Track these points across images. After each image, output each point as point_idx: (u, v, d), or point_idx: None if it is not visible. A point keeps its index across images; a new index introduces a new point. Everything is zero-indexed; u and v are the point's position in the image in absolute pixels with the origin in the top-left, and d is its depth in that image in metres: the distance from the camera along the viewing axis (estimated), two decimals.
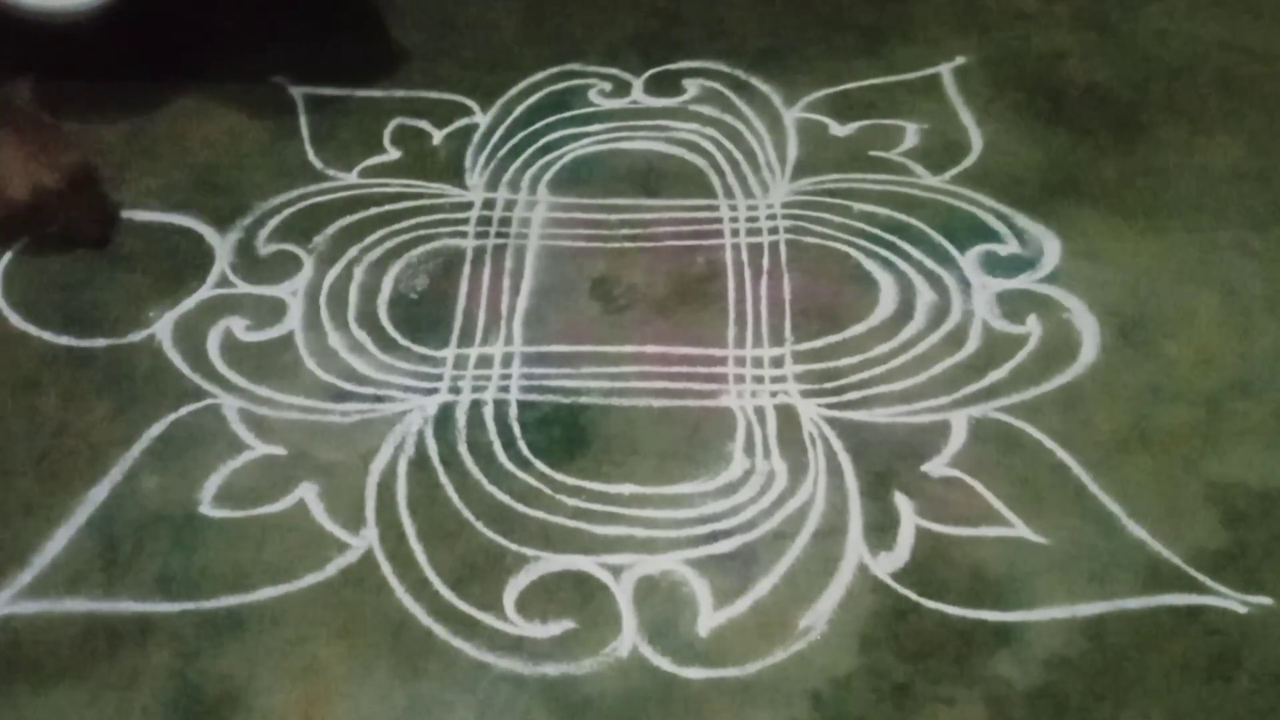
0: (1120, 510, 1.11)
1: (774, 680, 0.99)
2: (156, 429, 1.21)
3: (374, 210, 1.47)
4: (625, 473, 1.16)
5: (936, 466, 1.16)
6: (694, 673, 1.00)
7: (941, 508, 1.12)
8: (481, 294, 1.36)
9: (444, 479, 1.16)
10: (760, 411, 1.22)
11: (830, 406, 1.22)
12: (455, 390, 1.25)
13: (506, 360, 1.28)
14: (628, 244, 1.42)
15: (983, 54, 1.70)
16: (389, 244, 1.43)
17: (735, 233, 1.43)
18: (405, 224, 1.45)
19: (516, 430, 1.20)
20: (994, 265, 1.38)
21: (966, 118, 1.59)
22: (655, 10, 1.81)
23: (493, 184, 1.52)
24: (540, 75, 1.69)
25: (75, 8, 1.45)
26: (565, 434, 1.20)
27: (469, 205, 1.48)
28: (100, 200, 1.43)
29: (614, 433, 1.20)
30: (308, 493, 1.14)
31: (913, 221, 1.43)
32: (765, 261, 1.39)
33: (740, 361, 1.28)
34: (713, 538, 1.10)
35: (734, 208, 1.46)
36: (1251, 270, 1.36)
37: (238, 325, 1.32)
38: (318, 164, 1.54)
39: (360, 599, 1.06)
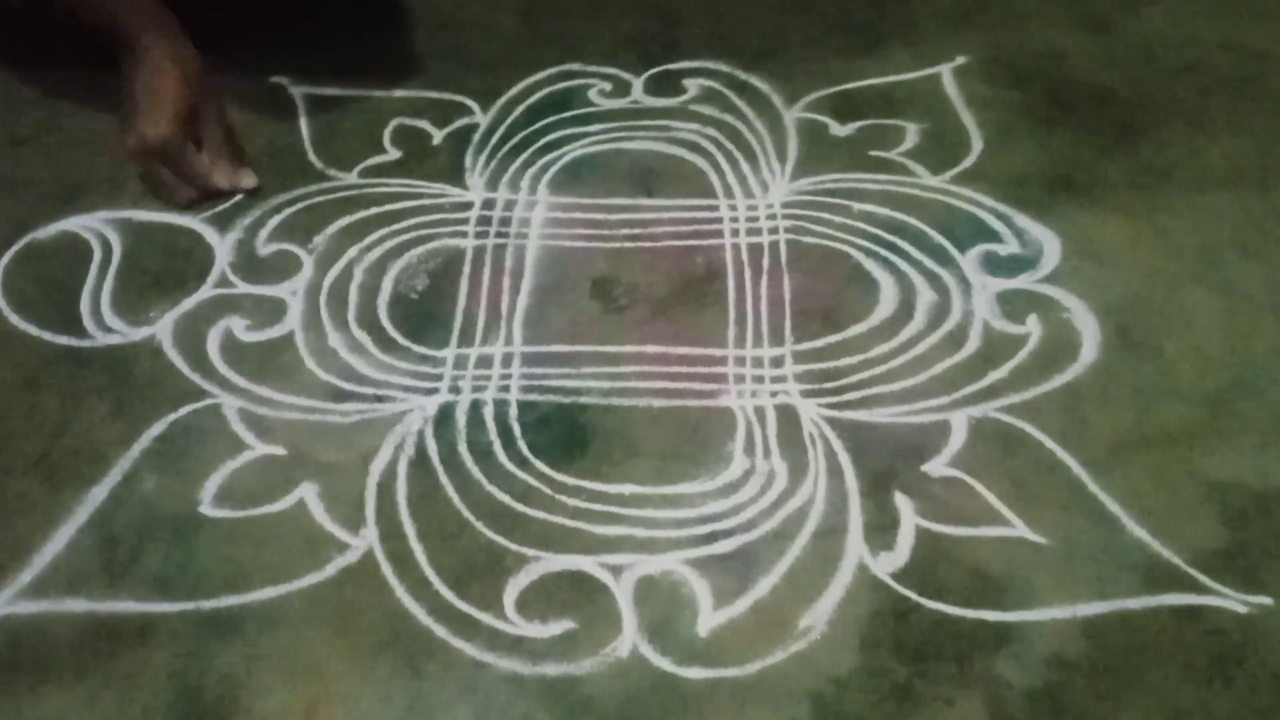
0: (1120, 510, 1.11)
1: (774, 680, 0.99)
2: (156, 429, 1.21)
3: (374, 210, 1.47)
4: (625, 473, 1.16)
5: (936, 466, 1.16)
6: (694, 673, 1.00)
7: (941, 508, 1.12)
8: (481, 294, 1.36)
9: (444, 479, 1.16)
10: (760, 411, 1.22)
11: (830, 406, 1.22)
12: (455, 390, 1.25)
13: (506, 360, 1.28)
14: (628, 244, 1.42)
15: (983, 54, 1.70)
16: (389, 244, 1.43)
17: (735, 232, 1.43)
18: (405, 224, 1.45)
19: (516, 430, 1.20)
20: (994, 265, 1.38)
21: (966, 118, 1.59)
22: (655, 10, 1.81)
23: (493, 184, 1.52)
24: (540, 75, 1.69)
25: None
26: (565, 434, 1.20)
27: (469, 205, 1.48)
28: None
29: (614, 433, 1.20)
30: (308, 493, 1.14)
31: (913, 221, 1.43)
32: (765, 261, 1.39)
33: (740, 361, 1.27)
34: (713, 538, 1.10)
35: (734, 208, 1.46)
36: (1251, 270, 1.36)
37: (238, 325, 1.32)
38: (318, 164, 1.55)
39: (360, 599, 1.06)
